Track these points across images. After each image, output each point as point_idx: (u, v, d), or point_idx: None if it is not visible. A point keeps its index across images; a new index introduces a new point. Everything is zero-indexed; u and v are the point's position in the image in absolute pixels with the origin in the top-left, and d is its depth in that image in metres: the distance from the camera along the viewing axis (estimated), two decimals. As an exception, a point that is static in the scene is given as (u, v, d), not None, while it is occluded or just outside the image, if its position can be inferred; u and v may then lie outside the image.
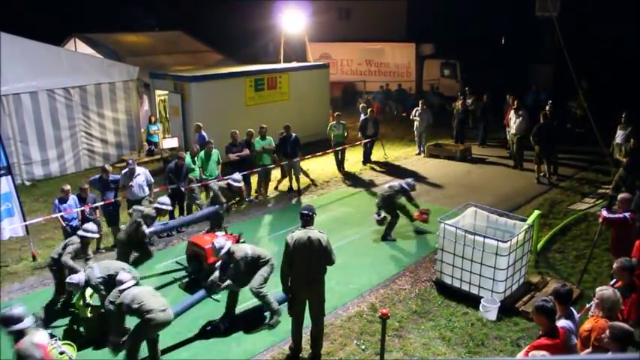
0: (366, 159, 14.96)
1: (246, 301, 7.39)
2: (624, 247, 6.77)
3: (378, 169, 14.57)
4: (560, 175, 13.15)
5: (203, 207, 10.84)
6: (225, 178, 10.06)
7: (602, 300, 4.77)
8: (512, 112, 13.98)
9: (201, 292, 6.97)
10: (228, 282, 6.81)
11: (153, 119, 15.67)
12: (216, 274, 6.96)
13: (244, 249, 7.02)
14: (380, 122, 15.88)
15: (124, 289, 6.15)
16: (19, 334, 4.61)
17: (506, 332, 6.86)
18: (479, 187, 12.61)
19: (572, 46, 11.57)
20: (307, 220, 6.27)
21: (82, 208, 9.23)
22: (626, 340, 4.13)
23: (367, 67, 25.12)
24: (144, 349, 6.21)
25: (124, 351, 6.16)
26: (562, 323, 4.78)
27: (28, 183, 13.08)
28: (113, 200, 9.70)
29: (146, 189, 9.83)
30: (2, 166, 9.17)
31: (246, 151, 11.76)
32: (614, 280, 5.79)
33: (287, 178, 12.78)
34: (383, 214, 9.78)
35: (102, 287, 6.61)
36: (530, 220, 7.93)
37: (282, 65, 17.69)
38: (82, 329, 7.05)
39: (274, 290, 7.40)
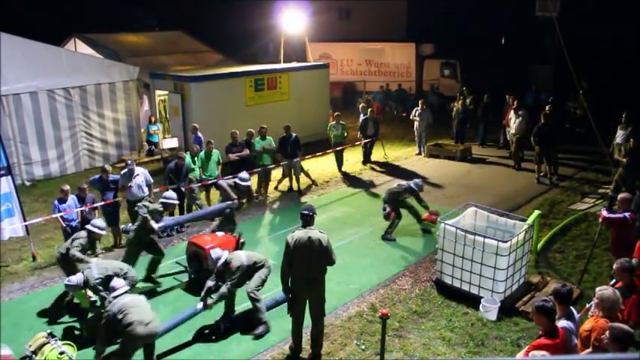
0: (366, 159, 14.96)
1: (246, 302, 7.36)
2: (624, 247, 6.77)
3: (378, 169, 14.57)
4: (560, 175, 13.14)
5: (203, 207, 10.87)
6: (232, 176, 10.01)
7: (602, 300, 4.76)
8: (512, 112, 14.00)
9: (193, 308, 6.78)
10: (223, 291, 6.75)
11: (153, 119, 15.68)
12: (209, 283, 6.89)
13: (240, 258, 6.94)
14: (380, 122, 15.88)
15: (116, 297, 6.00)
16: None
17: (507, 332, 6.86)
18: (479, 187, 12.61)
19: (572, 46, 11.57)
20: (308, 220, 6.27)
21: (82, 208, 9.23)
22: (626, 341, 4.13)
23: (367, 67, 25.12)
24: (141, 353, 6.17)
25: None
26: (562, 323, 4.77)
27: (28, 183, 13.09)
28: (113, 200, 9.71)
29: (145, 189, 9.81)
30: (2, 166, 9.16)
31: (247, 151, 11.77)
32: (614, 281, 5.79)
33: (287, 178, 12.79)
34: (388, 209, 9.81)
35: (100, 288, 6.60)
36: (530, 220, 7.93)
37: (282, 65, 17.69)
38: (82, 329, 7.07)
39: (274, 290, 7.43)
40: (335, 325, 7.11)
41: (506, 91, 16.06)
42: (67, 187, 9.19)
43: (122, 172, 9.84)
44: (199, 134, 12.38)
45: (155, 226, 8.10)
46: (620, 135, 12.11)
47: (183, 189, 10.40)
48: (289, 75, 16.38)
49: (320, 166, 14.50)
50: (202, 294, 6.81)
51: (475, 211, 8.23)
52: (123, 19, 26.62)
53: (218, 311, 7.15)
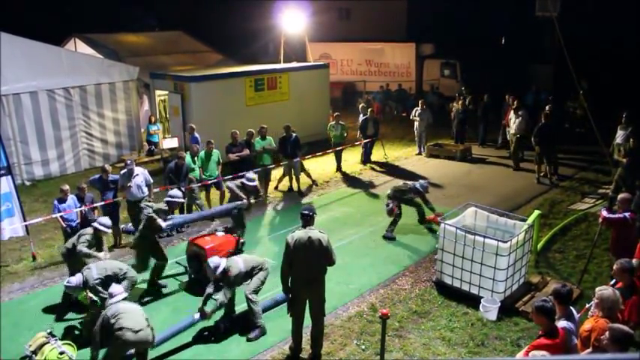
0: (366, 159, 14.96)
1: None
2: (624, 247, 6.77)
3: (378, 169, 14.57)
4: (560, 175, 13.14)
5: (203, 207, 10.87)
6: (232, 176, 9.97)
7: (601, 300, 4.77)
8: (512, 112, 14.00)
9: (190, 318, 6.75)
10: (221, 300, 6.75)
11: (153, 119, 15.67)
12: (209, 290, 6.90)
13: (238, 265, 6.91)
14: (380, 122, 15.87)
15: (113, 303, 5.97)
16: None
17: (507, 332, 6.86)
18: (479, 187, 12.61)
19: (572, 46, 11.57)
20: (308, 220, 6.27)
21: (82, 208, 9.23)
22: (625, 342, 4.12)
23: (367, 67, 25.12)
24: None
25: None
26: (562, 323, 4.77)
27: (28, 183, 13.09)
28: (112, 200, 9.70)
29: (145, 189, 9.79)
30: (2, 166, 9.17)
31: (247, 151, 11.76)
32: (614, 282, 5.79)
33: (287, 178, 12.79)
34: (391, 205, 9.84)
35: (100, 289, 6.60)
36: (530, 220, 7.93)
37: (282, 65, 17.69)
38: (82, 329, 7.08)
39: (274, 290, 7.43)
40: (335, 325, 7.11)
41: (506, 91, 16.06)
42: (66, 187, 9.18)
43: (121, 172, 9.83)
44: (196, 134, 12.38)
45: (163, 224, 8.02)
46: (620, 135, 12.10)
47: (183, 189, 10.38)
48: (289, 75, 16.38)
49: (320, 166, 14.50)
50: (201, 304, 6.81)
51: (475, 211, 8.23)
52: (123, 19, 26.62)
53: (218, 311, 7.15)
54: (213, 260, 6.88)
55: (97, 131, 14.73)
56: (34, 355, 5.86)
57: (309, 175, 13.03)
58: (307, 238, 6.09)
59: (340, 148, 14.15)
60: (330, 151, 14.13)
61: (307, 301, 6.30)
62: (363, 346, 6.66)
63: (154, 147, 15.43)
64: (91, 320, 6.81)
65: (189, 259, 8.41)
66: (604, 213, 7.33)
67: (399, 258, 9.13)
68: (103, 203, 9.63)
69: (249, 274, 6.96)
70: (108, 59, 15.96)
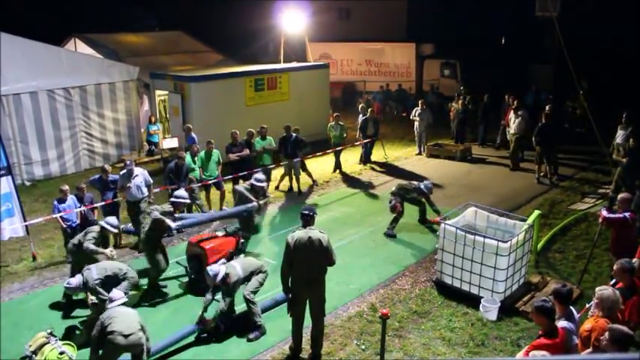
0: (366, 159, 14.95)
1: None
2: (624, 247, 6.77)
3: (378, 169, 14.56)
4: (560, 175, 13.14)
5: (203, 207, 10.87)
6: (232, 176, 9.89)
7: (602, 300, 4.76)
8: (512, 112, 13.99)
9: (190, 327, 6.77)
10: (221, 307, 6.79)
11: (153, 119, 15.67)
12: (208, 296, 6.91)
13: (236, 271, 6.91)
14: (380, 122, 15.87)
15: (110, 307, 5.95)
16: None
17: (507, 332, 6.86)
18: (479, 187, 12.61)
19: (572, 46, 11.57)
20: (308, 220, 6.27)
21: (81, 208, 9.23)
22: (625, 343, 4.12)
23: (367, 67, 25.12)
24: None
25: None
26: (562, 323, 4.77)
27: (28, 183, 13.09)
28: (112, 200, 9.70)
29: (144, 190, 9.77)
30: (2, 166, 9.16)
31: (247, 151, 11.76)
32: (614, 282, 5.78)
33: (287, 178, 12.78)
34: (394, 201, 9.88)
35: (100, 289, 6.59)
36: (530, 220, 7.93)
37: (282, 65, 17.69)
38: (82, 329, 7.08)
39: (274, 291, 7.43)
40: (335, 325, 7.11)
41: (506, 91, 16.06)
42: (65, 187, 9.18)
43: (121, 172, 9.82)
44: (193, 135, 12.38)
45: (172, 224, 7.95)
46: (620, 135, 12.08)
47: (183, 189, 10.38)
48: (289, 75, 16.38)
49: (320, 166, 14.49)
50: (200, 313, 6.83)
51: (475, 211, 8.23)
52: (123, 19, 26.64)
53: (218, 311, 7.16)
54: (212, 268, 6.87)
55: (97, 131, 14.73)
56: (34, 355, 5.86)
57: (310, 175, 13.02)
58: (307, 238, 6.09)
59: (340, 148, 14.15)
60: (330, 151, 14.13)
61: (307, 301, 6.30)
62: (363, 346, 6.66)
63: (154, 147, 15.43)
64: (89, 324, 6.82)
65: (189, 259, 8.41)
66: (604, 213, 7.33)
67: (399, 258, 9.13)
68: (102, 203, 9.63)
69: (247, 279, 7.00)
70: (108, 59, 15.96)
